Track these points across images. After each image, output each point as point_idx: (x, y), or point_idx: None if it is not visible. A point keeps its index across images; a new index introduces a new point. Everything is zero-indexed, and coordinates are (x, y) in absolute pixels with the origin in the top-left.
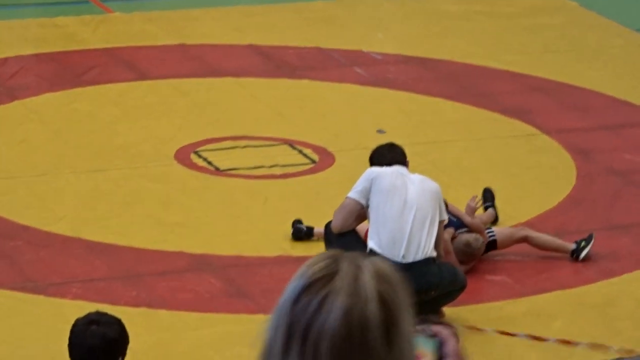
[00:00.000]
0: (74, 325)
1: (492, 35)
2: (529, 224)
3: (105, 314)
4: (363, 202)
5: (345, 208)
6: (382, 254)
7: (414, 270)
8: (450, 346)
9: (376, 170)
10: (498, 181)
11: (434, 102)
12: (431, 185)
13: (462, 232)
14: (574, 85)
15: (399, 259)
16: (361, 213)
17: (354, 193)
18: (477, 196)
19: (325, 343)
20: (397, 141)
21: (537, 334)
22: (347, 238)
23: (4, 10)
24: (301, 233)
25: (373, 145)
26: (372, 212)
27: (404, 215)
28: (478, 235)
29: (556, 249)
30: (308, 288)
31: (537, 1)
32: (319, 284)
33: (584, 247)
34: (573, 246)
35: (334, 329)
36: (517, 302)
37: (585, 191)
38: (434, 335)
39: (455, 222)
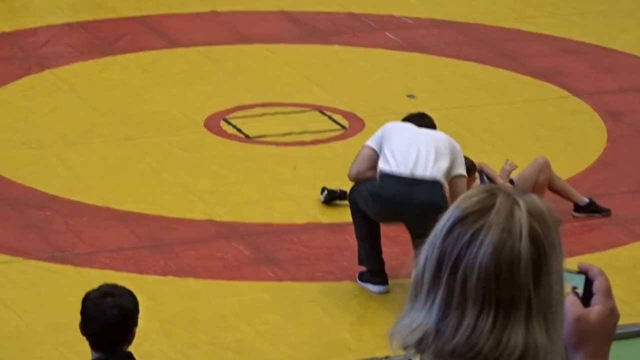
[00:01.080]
0: (86, 299)
1: None
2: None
3: (115, 285)
4: (376, 148)
5: (360, 155)
6: (391, 171)
7: (421, 185)
8: (600, 283)
9: (390, 122)
10: (528, 144)
11: (465, 66)
12: (447, 137)
13: None
14: (605, 47)
15: (407, 173)
16: (375, 162)
17: (368, 141)
18: (512, 162)
19: (474, 276)
20: (427, 105)
21: None
22: (362, 184)
23: None
24: (335, 195)
25: (403, 110)
26: (384, 145)
27: (412, 144)
28: None
29: (569, 197)
30: (461, 220)
31: None
32: (472, 217)
33: (590, 211)
34: (585, 201)
35: (483, 263)
36: None
37: (616, 154)
38: (582, 272)
39: (487, 184)
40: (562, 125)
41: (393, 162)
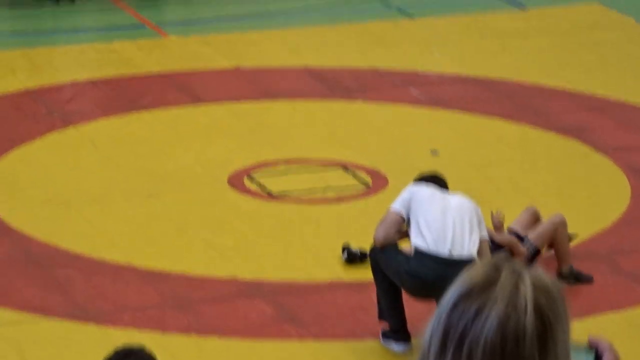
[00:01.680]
0: None
1: (548, 52)
2: (583, 244)
3: (134, 347)
4: (404, 213)
5: (387, 219)
6: (428, 250)
7: (460, 266)
8: (608, 359)
9: (415, 186)
10: (553, 201)
11: (489, 122)
12: (469, 201)
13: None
14: (630, 104)
15: (446, 253)
16: (403, 227)
17: (394, 205)
18: (498, 210)
19: (479, 351)
20: (451, 161)
21: None
22: (389, 251)
23: (60, 35)
24: (355, 257)
25: (426, 166)
26: (414, 218)
27: (446, 217)
28: None
29: (561, 257)
30: (466, 295)
31: (594, 17)
32: (477, 291)
33: (567, 279)
34: (567, 269)
35: (489, 337)
36: None
37: None
38: (591, 347)
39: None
40: (586, 182)
41: (430, 239)
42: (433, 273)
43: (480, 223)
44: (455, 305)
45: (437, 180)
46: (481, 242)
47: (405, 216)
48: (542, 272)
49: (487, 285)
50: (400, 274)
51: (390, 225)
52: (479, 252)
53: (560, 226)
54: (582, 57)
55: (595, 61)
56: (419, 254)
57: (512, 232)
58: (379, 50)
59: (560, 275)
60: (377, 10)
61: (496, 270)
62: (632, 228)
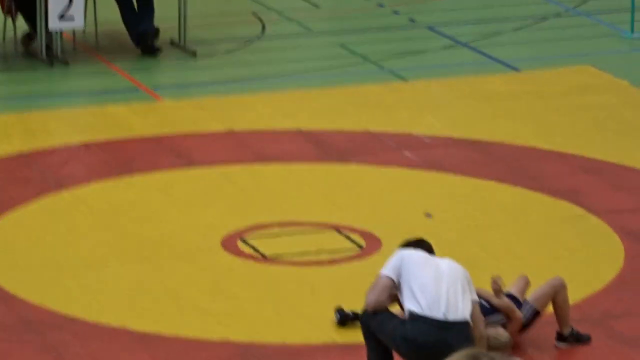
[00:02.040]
0: None
1: (542, 116)
2: (576, 307)
3: None
4: (394, 278)
5: (378, 284)
6: (423, 314)
7: (456, 330)
8: None
9: (405, 250)
10: (546, 264)
11: (483, 185)
12: (458, 265)
13: (493, 322)
14: (624, 166)
15: (441, 316)
16: (393, 292)
17: (385, 270)
18: (497, 275)
19: None
20: (445, 225)
21: None
22: (381, 315)
23: (54, 99)
24: (348, 318)
25: (420, 229)
26: (406, 283)
27: (439, 282)
28: (502, 335)
29: (561, 321)
30: None
31: (587, 80)
32: None
33: (569, 341)
34: (568, 330)
35: None
36: None
37: (634, 273)
38: None
39: (485, 307)
40: (579, 245)
41: (424, 303)
42: (429, 337)
43: (470, 286)
44: None
45: (423, 246)
46: (473, 305)
47: (396, 281)
48: None
49: None
50: (394, 338)
51: (382, 290)
52: (472, 314)
53: (560, 289)
54: (576, 120)
55: (588, 124)
56: (414, 318)
57: (509, 296)
58: (373, 113)
59: (562, 337)
60: (370, 74)
61: None
62: (625, 291)
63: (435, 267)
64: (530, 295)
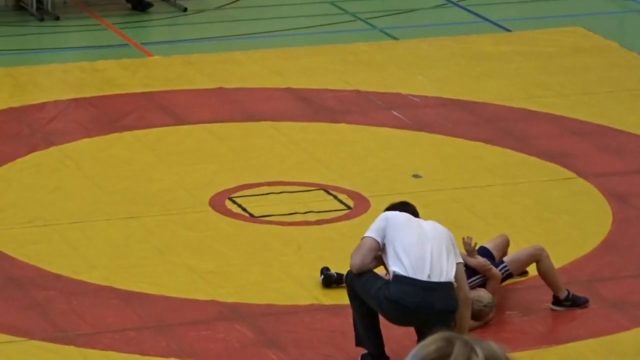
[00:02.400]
0: None
1: (532, 77)
2: (563, 269)
3: None
4: (379, 240)
5: (363, 246)
6: (407, 275)
7: (440, 291)
8: None
9: (389, 212)
10: (533, 226)
11: (471, 146)
12: (443, 227)
13: (473, 284)
14: (612, 128)
15: (425, 277)
16: (378, 254)
17: (369, 232)
18: (468, 236)
19: None
20: (433, 185)
21: None
22: (366, 276)
23: (44, 54)
24: (332, 279)
25: (408, 190)
26: (390, 244)
27: (422, 243)
28: (484, 296)
29: (552, 286)
30: None
31: (578, 41)
32: None
33: (565, 305)
34: (564, 294)
35: None
36: (548, 351)
37: (621, 236)
38: None
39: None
40: (567, 207)
41: (408, 265)
42: (412, 299)
43: (454, 247)
44: None
45: (408, 209)
46: (457, 266)
47: (380, 243)
48: (494, 345)
49: (439, 359)
50: (378, 300)
51: (367, 251)
52: (456, 276)
53: (541, 258)
54: (565, 81)
55: (578, 85)
56: (398, 279)
57: (483, 250)
58: (363, 72)
59: (558, 301)
60: (361, 32)
61: (449, 344)
62: (612, 254)
63: (419, 228)
64: (507, 256)
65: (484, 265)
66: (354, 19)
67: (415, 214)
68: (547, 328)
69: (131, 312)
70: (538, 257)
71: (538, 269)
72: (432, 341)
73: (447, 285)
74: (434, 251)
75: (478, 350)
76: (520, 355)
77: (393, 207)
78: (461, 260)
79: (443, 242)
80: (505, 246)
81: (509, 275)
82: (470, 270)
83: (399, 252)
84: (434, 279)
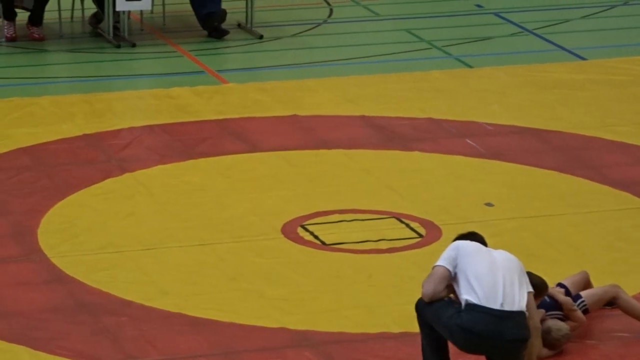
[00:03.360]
0: None
1: (606, 105)
2: (635, 299)
3: None
4: (450, 269)
5: (435, 274)
6: (480, 304)
7: (513, 319)
8: None
9: (459, 242)
10: (604, 256)
11: (544, 175)
12: (513, 256)
13: (553, 316)
14: None
15: (498, 306)
16: (449, 282)
17: (440, 261)
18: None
19: None
20: (504, 214)
21: None
22: (437, 304)
23: (118, 80)
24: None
25: (480, 218)
26: (462, 273)
27: (494, 272)
28: (563, 327)
29: (638, 318)
30: None
31: None
32: None
33: None
34: None
35: None
36: None
37: None
38: None
39: (547, 303)
40: (638, 237)
41: (481, 294)
42: (485, 327)
43: (525, 276)
44: None
45: (476, 238)
46: (528, 295)
47: (451, 271)
48: None
49: None
50: (450, 327)
51: (439, 280)
52: (527, 305)
53: (617, 295)
54: (639, 110)
55: None
56: (471, 307)
57: (561, 287)
58: (437, 99)
59: None
60: (436, 60)
61: None
62: None
63: (490, 257)
64: (584, 292)
65: (569, 305)
66: (429, 47)
67: (483, 243)
68: (620, 357)
69: (201, 338)
70: (614, 294)
71: (619, 306)
72: None
73: (520, 314)
74: (506, 280)
75: None
76: None
77: (462, 237)
78: (531, 290)
79: (515, 271)
80: (583, 283)
81: (586, 311)
82: (554, 305)
83: (471, 280)
84: (507, 307)
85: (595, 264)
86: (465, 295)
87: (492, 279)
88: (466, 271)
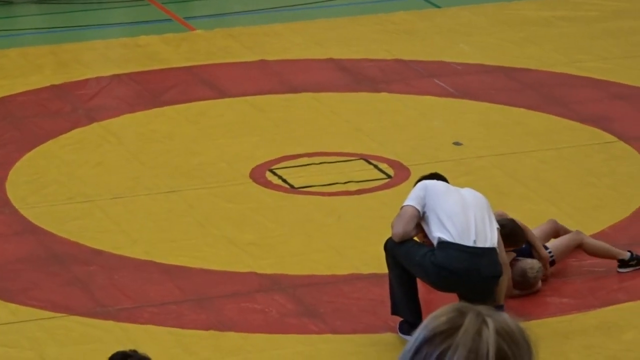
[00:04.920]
0: None
1: (575, 41)
2: (604, 233)
3: (135, 351)
4: (419, 208)
5: (405, 214)
6: (453, 241)
7: (486, 257)
8: None
9: (426, 181)
10: (575, 191)
11: (513, 112)
12: (481, 194)
13: (521, 258)
14: None
15: (472, 243)
16: (419, 222)
17: (409, 200)
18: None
19: None
20: (474, 152)
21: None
22: (408, 244)
23: (86, 30)
24: None
25: (449, 157)
26: (432, 212)
27: (465, 210)
28: (536, 264)
29: (609, 256)
30: (429, 340)
31: (621, 4)
32: (440, 337)
33: (632, 265)
34: (627, 255)
35: None
36: (587, 315)
37: None
38: None
39: (525, 250)
40: (608, 171)
41: (454, 231)
42: (460, 264)
43: (492, 213)
44: (417, 350)
45: (440, 179)
46: (497, 231)
47: (420, 211)
48: (508, 318)
49: (450, 330)
50: (424, 266)
51: (409, 220)
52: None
53: (582, 241)
54: (608, 45)
55: (621, 49)
56: (444, 245)
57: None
58: (404, 40)
59: (623, 262)
60: (403, 2)
61: (460, 316)
62: None
63: (459, 195)
64: (551, 242)
65: (538, 245)
66: None
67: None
68: (587, 292)
69: (172, 285)
70: (579, 241)
71: (586, 250)
72: (444, 312)
73: (492, 250)
74: (477, 217)
75: (489, 322)
76: (560, 320)
77: (425, 178)
78: (498, 226)
79: (484, 208)
80: (552, 233)
81: (552, 263)
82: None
83: (443, 219)
84: (480, 244)
85: (567, 200)
86: (438, 233)
87: (464, 216)
88: (437, 210)
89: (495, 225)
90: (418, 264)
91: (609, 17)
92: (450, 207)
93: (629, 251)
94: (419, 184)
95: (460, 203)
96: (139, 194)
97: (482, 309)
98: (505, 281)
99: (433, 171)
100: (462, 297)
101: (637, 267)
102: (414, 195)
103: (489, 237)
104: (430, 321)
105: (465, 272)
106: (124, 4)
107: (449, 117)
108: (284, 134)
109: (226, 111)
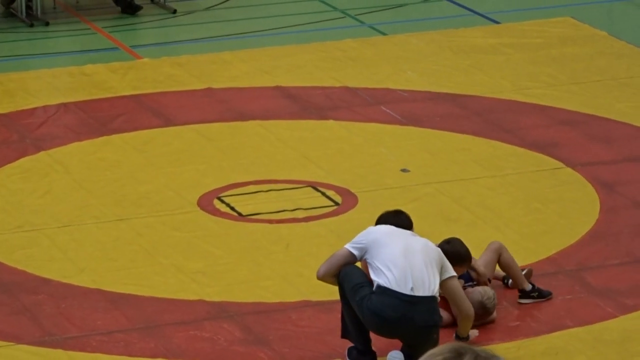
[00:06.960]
0: None
1: (521, 68)
2: (551, 259)
3: None
4: (356, 253)
5: (335, 257)
6: (390, 287)
7: (422, 305)
8: None
9: (372, 227)
10: (521, 217)
11: (460, 139)
12: (433, 245)
13: (471, 285)
14: (600, 117)
15: (407, 291)
16: (364, 263)
17: (350, 243)
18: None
19: None
20: (421, 179)
21: None
22: (355, 280)
23: (34, 59)
24: None
25: (396, 185)
26: (374, 258)
27: (407, 256)
28: (488, 291)
29: (515, 280)
30: None
31: (566, 31)
32: None
33: (533, 296)
34: (529, 286)
35: None
36: (534, 340)
37: (608, 225)
38: None
39: (464, 275)
40: (555, 197)
41: (392, 277)
42: (393, 312)
43: (444, 264)
44: None
45: (401, 217)
46: (448, 279)
47: (357, 257)
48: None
49: None
50: (362, 309)
51: (335, 262)
52: (449, 290)
53: (501, 251)
54: (554, 72)
55: (567, 75)
56: (382, 291)
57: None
58: (351, 68)
59: (525, 293)
60: (350, 29)
61: (458, 357)
62: (600, 243)
63: (405, 241)
64: (480, 260)
65: (475, 264)
66: (342, 16)
67: (409, 222)
68: (534, 318)
69: (119, 314)
70: (499, 251)
71: (499, 263)
72: (441, 351)
73: (431, 299)
74: (419, 264)
75: None
76: (508, 346)
77: (384, 215)
78: (452, 274)
79: (433, 258)
80: (496, 260)
81: (488, 281)
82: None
83: (383, 264)
84: (418, 293)
85: (513, 226)
86: (376, 278)
87: (404, 262)
88: (379, 256)
89: (438, 277)
90: (358, 304)
91: (555, 43)
92: (391, 253)
93: (531, 284)
94: (368, 228)
95: (403, 249)
96: (87, 223)
97: (480, 351)
98: (466, 328)
99: (398, 208)
100: (403, 342)
101: (538, 300)
102: (356, 240)
103: (427, 285)
104: (428, 359)
105: (398, 321)
106: (69, 32)
107: (395, 144)
108: (231, 161)
109: (173, 139)
